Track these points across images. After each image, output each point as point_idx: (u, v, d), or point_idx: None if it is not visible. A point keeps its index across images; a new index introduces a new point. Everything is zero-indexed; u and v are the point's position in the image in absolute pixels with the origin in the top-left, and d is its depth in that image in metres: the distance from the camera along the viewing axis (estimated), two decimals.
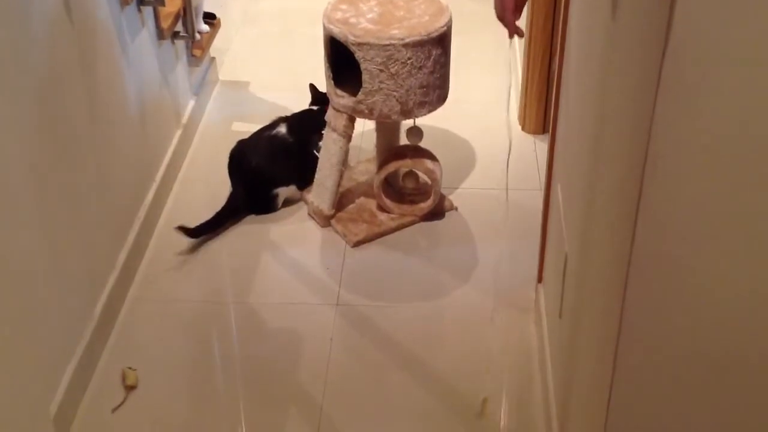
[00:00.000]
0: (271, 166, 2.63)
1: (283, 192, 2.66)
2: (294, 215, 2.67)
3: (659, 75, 1.01)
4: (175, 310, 2.34)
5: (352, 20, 2.37)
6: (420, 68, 2.34)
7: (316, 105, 2.79)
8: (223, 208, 2.60)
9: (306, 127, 2.72)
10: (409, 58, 2.31)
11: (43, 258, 1.91)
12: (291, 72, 3.41)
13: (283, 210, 2.68)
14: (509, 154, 2.13)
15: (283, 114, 2.78)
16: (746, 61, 0.80)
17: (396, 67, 2.32)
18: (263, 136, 2.69)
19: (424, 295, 2.39)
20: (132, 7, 2.42)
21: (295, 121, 2.73)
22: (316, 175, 2.61)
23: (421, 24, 2.35)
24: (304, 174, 2.68)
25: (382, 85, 2.35)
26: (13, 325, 1.76)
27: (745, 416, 0.91)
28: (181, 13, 2.78)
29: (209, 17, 3.19)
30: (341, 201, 2.64)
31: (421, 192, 2.66)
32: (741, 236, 0.82)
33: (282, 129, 2.68)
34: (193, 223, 2.55)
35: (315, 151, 2.69)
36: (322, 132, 2.62)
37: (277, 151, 2.66)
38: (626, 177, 1.17)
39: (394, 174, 2.63)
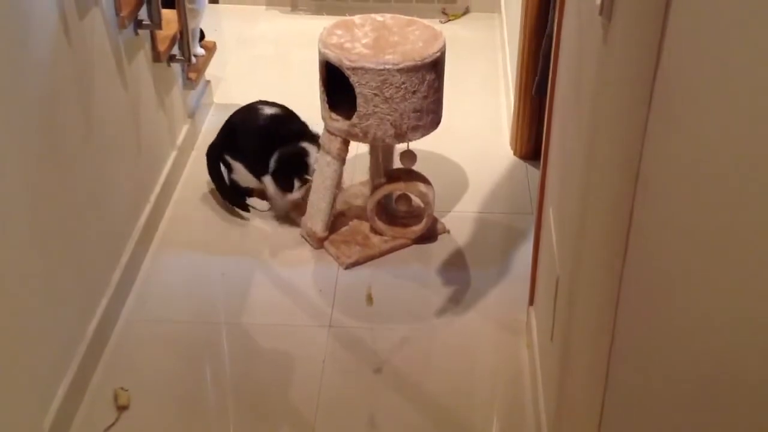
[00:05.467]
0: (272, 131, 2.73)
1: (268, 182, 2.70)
2: (287, 237, 2.68)
3: (650, 100, 1.03)
4: (167, 330, 2.34)
5: (347, 45, 2.39)
6: (414, 93, 2.37)
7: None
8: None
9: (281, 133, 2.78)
10: (403, 83, 2.34)
11: (38, 276, 1.91)
12: (285, 95, 3.41)
13: (276, 231, 2.69)
14: None
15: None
16: (734, 87, 0.82)
17: (390, 92, 2.34)
18: (253, 110, 2.81)
19: (416, 317, 2.40)
20: (129, 30, 2.44)
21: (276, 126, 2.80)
22: (310, 197, 2.62)
23: (415, 49, 2.38)
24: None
25: (377, 109, 2.37)
26: (6, 341, 1.77)
27: None
28: (178, 36, 2.80)
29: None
30: (334, 223, 2.65)
31: (414, 215, 2.67)
32: (731, 257, 0.83)
33: (269, 110, 2.80)
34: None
35: (308, 176, 2.70)
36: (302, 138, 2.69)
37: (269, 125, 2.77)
38: (617, 200, 1.19)
39: (387, 197, 2.65)
